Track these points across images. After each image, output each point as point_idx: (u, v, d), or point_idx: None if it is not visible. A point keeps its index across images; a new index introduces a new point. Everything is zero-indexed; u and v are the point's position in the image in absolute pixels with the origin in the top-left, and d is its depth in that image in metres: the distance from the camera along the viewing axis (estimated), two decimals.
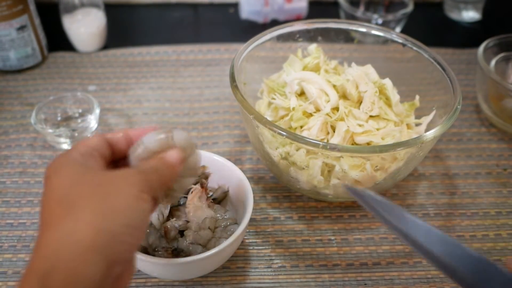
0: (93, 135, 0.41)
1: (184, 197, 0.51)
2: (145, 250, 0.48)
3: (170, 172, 0.37)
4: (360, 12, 0.87)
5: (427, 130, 0.57)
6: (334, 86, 0.57)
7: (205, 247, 0.48)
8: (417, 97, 0.60)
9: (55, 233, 0.30)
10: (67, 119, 0.69)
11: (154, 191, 0.35)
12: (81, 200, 0.31)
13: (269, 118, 0.57)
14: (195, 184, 0.50)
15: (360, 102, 0.56)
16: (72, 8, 0.80)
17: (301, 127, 0.55)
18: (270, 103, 0.60)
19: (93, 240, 0.29)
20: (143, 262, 0.45)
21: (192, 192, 0.50)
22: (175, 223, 0.49)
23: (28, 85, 0.76)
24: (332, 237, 0.55)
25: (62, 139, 0.64)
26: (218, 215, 0.51)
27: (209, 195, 0.52)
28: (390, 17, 0.85)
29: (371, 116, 0.55)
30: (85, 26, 0.80)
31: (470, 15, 0.94)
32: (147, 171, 0.35)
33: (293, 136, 0.48)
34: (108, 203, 0.31)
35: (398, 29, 0.87)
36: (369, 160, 0.50)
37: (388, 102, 0.57)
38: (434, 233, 0.32)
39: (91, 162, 0.35)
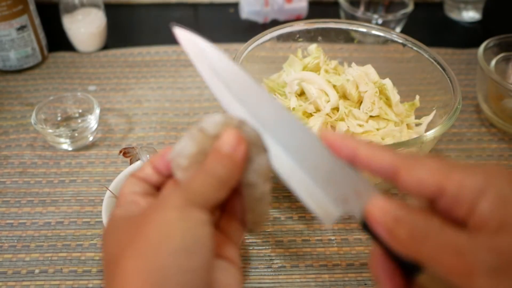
0: (126, 176, 0.32)
1: None
2: None
3: (227, 166, 0.28)
4: (360, 12, 0.86)
5: (427, 130, 0.57)
6: (334, 86, 0.57)
7: None
8: (417, 97, 0.60)
9: None
10: (67, 119, 0.69)
11: (206, 201, 0.27)
12: (122, 253, 0.26)
13: None
14: None
15: (360, 102, 0.56)
16: (72, 8, 0.80)
17: None
18: None
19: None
20: None
21: None
22: None
23: (28, 85, 0.76)
24: (332, 237, 0.55)
25: (62, 139, 0.64)
26: None
27: None
28: (390, 17, 0.85)
29: (371, 116, 0.55)
30: (85, 26, 0.80)
31: (470, 15, 0.94)
32: (190, 177, 0.28)
33: None
34: (147, 240, 0.26)
35: (398, 29, 0.87)
36: None
37: (388, 102, 0.57)
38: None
39: (133, 209, 0.30)
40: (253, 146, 0.29)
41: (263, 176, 0.29)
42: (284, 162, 0.29)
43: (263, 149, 0.29)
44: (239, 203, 0.30)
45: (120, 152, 0.58)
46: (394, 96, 0.57)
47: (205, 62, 0.31)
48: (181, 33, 0.32)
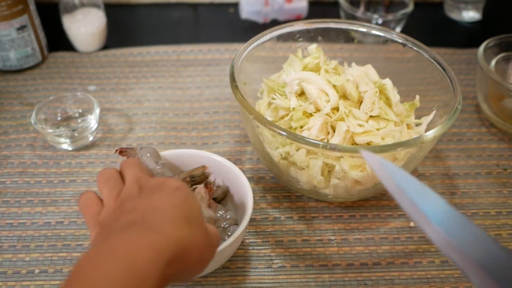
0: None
1: None
2: None
3: None
4: (360, 12, 0.86)
5: (427, 130, 0.57)
6: (334, 86, 0.57)
7: None
8: (417, 97, 0.60)
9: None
10: (67, 119, 0.69)
11: None
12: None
13: (269, 118, 0.57)
14: (198, 184, 0.50)
15: (360, 102, 0.56)
16: (72, 8, 0.80)
17: (301, 127, 0.55)
18: (270, 103, 0.60)
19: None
20: None
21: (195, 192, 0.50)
22: None
23: (28, 85, 0.76)
24: (332, 237, 0.55)
25: (62, 139, 0.64)
26: (218, 215, 0.51)
27: None
28: (390, 17, 0.85)
29: (371, 116, 0.55)
30: (85, 26, 0.80)
31: (470, 15, 0.94)
32: None
33: (293, 136, 0.48)
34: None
35: (398, 29, 0.87)
36: None
37: (388, 102, 0.57)
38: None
39: None
40: None
41: None
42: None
43: None
44: None
45: (116, 151, 0.57)
46: (394, 96, 0.57)
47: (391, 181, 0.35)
48: (370, 156, 0.37)
